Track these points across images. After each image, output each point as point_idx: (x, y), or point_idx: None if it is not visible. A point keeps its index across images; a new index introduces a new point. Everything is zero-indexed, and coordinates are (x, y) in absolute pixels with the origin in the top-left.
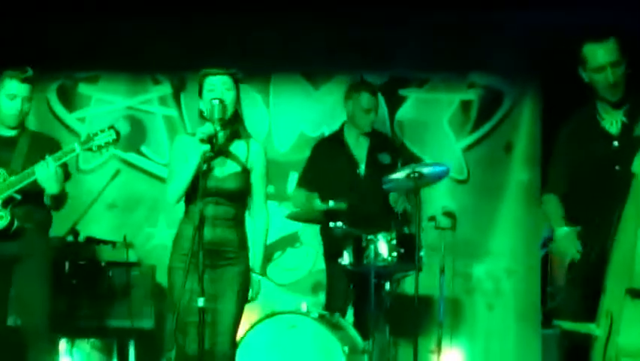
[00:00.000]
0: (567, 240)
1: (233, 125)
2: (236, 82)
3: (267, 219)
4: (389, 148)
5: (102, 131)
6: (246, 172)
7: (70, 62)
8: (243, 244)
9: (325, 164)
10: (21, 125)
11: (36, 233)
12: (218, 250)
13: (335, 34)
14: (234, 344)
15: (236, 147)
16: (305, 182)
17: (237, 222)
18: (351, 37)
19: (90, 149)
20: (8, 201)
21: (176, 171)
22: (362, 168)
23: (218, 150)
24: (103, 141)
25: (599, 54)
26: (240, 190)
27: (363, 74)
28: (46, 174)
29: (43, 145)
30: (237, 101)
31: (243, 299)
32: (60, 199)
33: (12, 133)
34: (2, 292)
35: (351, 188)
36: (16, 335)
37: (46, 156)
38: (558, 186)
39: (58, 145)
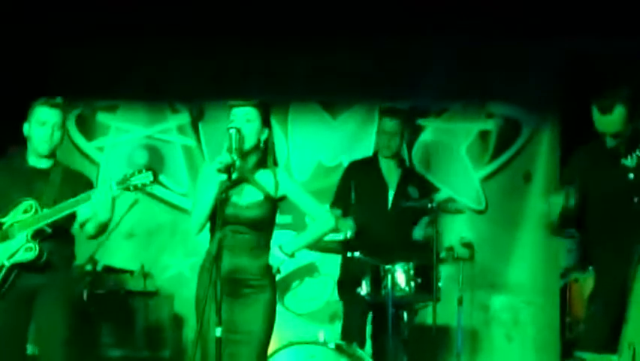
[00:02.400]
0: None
1: (259, 155)
2: (263, 113)
3: (326, 222)
4: (417, 182)
5: (140, 171)
6: (270, 201)
7: (89, 91)
8: (266, 272)
9: (357, 185)
10: (53, 156)
11: (61, 266)
12: (239, 278)
13: (354, 64)
14: None
15: (262, 176)
16: (339, 201)
17: (260, 251)
18: (371, 67)
19: (127, 189)
20: (38, 234)
21: (198, 200)
22: (390, 196)
23: (239, 178)
24: (139, 182)
25: (603, 123)
26: (262, 219)
27: (381, 103)
28: (104, 199)
29: (76, 181)
30: (262, 131)
31: (269, 329)
32: (105, 228)
33: (45, 165)
34: (23, 321)
35: (378, 215)
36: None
37: (108, 184)
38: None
39: (90, 182)
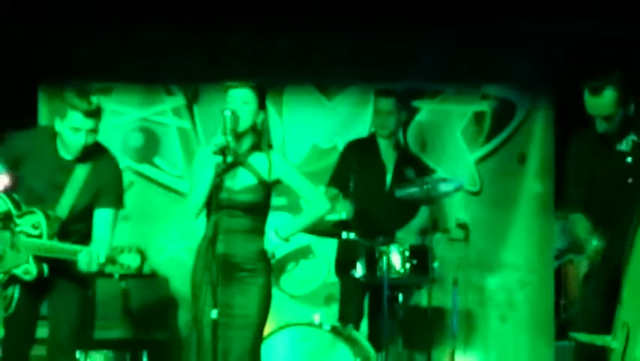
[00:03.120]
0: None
1: (254, 137)
2: (259, 95)
3: (321, 205)
4: (414, 163)
5: (130, 250)
6: (264, 185)
7: (84, 73)
8: (261, 256)
9: (355, 166)
10: (85, 153)
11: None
12: (234, 262)
13: (348, 46)
14: (258, 358)
15: (256, 159)
16: (336, 180)
17: (255, 235)
18: (365, 49)
19: (111, 263)
20: (40, 258)
21: (195, 184)
22: (389, 178)
23: (233, 162)
24: (125, 263)
25: (594, 106)
26: (255, 203)
27: (376, 85)
28: (88, 267)
29: (100, 177)
30: (257, 113)
31: (264, 313)
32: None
33: (74, 157)
34: (34, 306)
35: (376, 196)
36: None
37: (97, 253)
38: (580, 203)
39: (118, 172)
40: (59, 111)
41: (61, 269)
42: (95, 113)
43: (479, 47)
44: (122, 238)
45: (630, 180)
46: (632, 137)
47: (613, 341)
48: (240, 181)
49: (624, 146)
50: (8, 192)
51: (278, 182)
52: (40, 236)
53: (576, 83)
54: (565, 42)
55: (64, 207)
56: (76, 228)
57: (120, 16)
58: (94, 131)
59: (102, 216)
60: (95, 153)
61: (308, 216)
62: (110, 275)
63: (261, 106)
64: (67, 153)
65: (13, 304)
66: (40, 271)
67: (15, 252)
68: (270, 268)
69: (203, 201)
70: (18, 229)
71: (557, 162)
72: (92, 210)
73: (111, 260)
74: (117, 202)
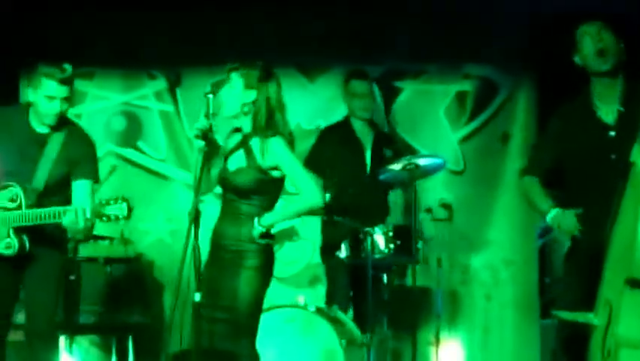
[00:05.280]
0: (565, 219)
1: (255, 119)
2: (248, 76)
3: (311, 198)
4: (391, 143)
5: (115, 201)
6: (256, 169)
7: (65, 57)
8: (252, 239)
9: (332, 148)
10: (59, 122)
11: (53, 235)
12: (222, 243)
13: (329, 26)
14: (252, 344)
15: (255, 143)
16: (310, 165)
17: (247, 219)
18: (346, 29)
19: (100, 218)
20: (20, 230)
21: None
22: (367, 158)
23: (240, 143)
24: (112, 214)
25: (585, 25)
26: (246, 185)
27: (358, 66)
28: (76, 225)
29: (75, 151)
30: (245, 94)
31: (257, 295)
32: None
33: (47, 130)
34: (13, 287)
35: (356, 176)
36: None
37: (82, 208)
38: (541, 167)
39: (91, 152)
40: (33, 82)
41: (38, 249)
42: (68, 81)
43: (461, 25)
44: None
45: (613, 156)
46: (617, 106)
47: (595, 318)
48: (234, 163)
49: (609, 118)
50: None
51: (275, 168)
52: (19, 208)
53: (559, 61)
54: (546, 19)
55: (39, 179)
56: (53, 200)
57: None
58: (68, 99)
59: (80, 187)
60: (66, 125)
61: (295, 206)
62: (95, 259)
63: (249, 84)
64: (40, 125)
65: None
66: (22, 244)
67: None
68: (262, 253)
69: (196, 185)
70: None
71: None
72: (68, 182)
73: (97, 214)
74: (93, 174)
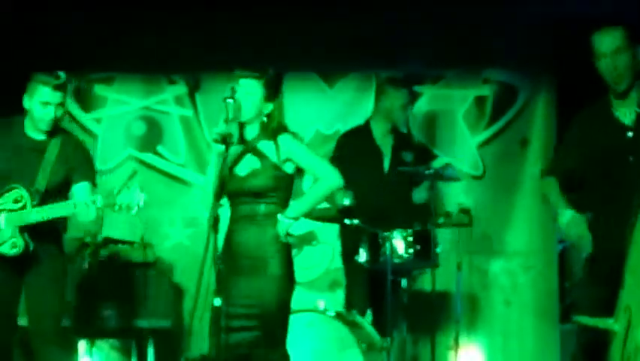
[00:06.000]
0: (574, 224)
1: (262, 125)
2: (268, 85)
3: (331, 179)
4: (411, 147)
5: (128, 188)
6: (272, 167)
7: (86, 63)
8: (273, 243)
9: (351, 153)
10: (54, 129)
11: (51, 237)
12: (243, 250)
13: (348, 31)
14: (283, 345)
15: (264, 145)
16: None
17: (265, 221)
18: (365, 35)
19: (111, 207)
20: (24, 229)
21: (209, 178)
22: (387, 163)
23: (244, 149)
24: (125, 203)
25: (603, 42)
26: (263, 186)
27: (377, 71)
28: (88, 218)
29: (73, 155)
30: (264, 104)
31: (282, 300)
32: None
33: (43, 137)
34: (15, 291)
35: (375, 182)
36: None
37: (92, 198)
38: (560, 168)
39: (88, 156)
40: (29, 89)
41: (40, 251)
42: (62, 87)
43: (479, 30)
44: (126, 227)
45: (631, 158)
46: (635, 107)
47: (615, 324)
48: (246, 167)
49: (627, 119)
50: None
51: (288, 161)
52: (24, 207)
53: (578, 65)
54: (566, 24)
55: (40, 184)
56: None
57: (122, 5)
58: (62, 105)
59: (80, 189)
60: (62, 132)
61: (317, 192)
62: (115, 263)
63: (269, 97)
64: (36, 132)
65: None
66: (27, 244)
67: None
68: (284, 254)
69: (212, 191)
70: None
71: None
72: (68, 187)
73: (110, 204)
74: (92, 177)
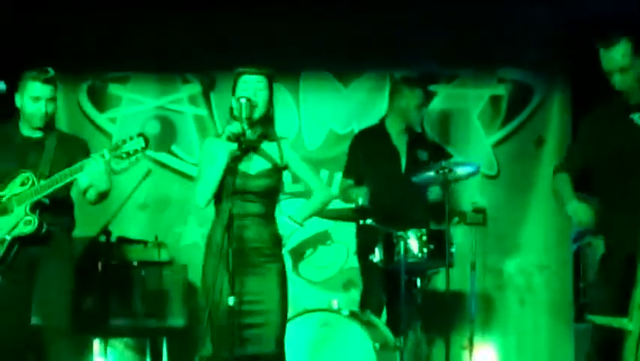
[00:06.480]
0: (581, 210)
1: (265, 125)
2: (270, 82)
3: (325, 193)
4: (426, 145)
5: (131, 138)
6: (277, 170)
7: (100, 62)
8: (276, 242)
9: (367, 154)
10: (48, 126)
11: (61, 236)
12: (249, 248)
13: (363, 31)
14: (282, 344)
15: (268, 146)
16: (350, 172)
17: (268, 220)
18: (379, 33)
19: (120, 157)
20: (36, 206)
21: (204, 173)
22: (403, 162)
23: (247, 147)
24: (132, 149)
25: (609, 59)
26: (271, 187)
27: (392, 70)
28: (97, 170)
29: (71, 146)
30: (270, 101)
31: (285, 297)
32: (106, 195)
33: (39, 134)
34: (26, 291)
35: (391, 181)
36: (39, 334)
37: (100, 152)
38: (573, 165)
39: (85, 145)
40: (19, 88)
41: (49, 248)
42: (51, 80)
43: (494, 30)
44: (140, 226)
45: None
46: None
47: (629, 324)
48: (255, 166)
49: None
50: None
51: (286, 168)
52: (32, 185)
53: (593, 64)
54: (580, 23)
55: (44, 170)
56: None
57: (136, 4)
58: (53, 99)
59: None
60: (57, 130)
61: (317, 201)
62: (129, 263)
63: (272, 94)
64: (30, 130)
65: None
66: (40, 221)
67: (8, 216)
68: (282, 254)
69: (214, 189)
70: (4, 198)
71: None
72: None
73: (117, 155)
74: None
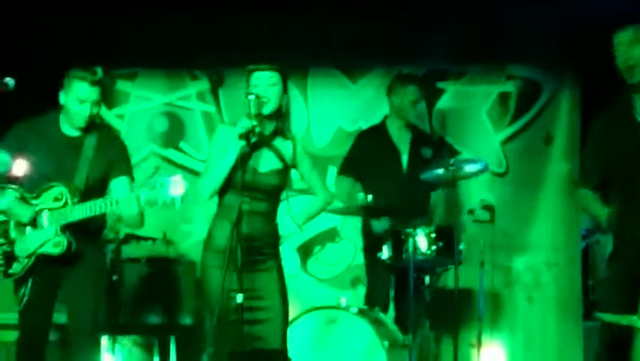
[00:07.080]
0: None
1: (278, 121)
2: (283, 78)
3: (326, 197)
4: (430, 143)
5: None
6: (286, 169)
7: (109, 59)
8: (276, 239)
9: (368, 153)
10: (90, 126)
11: (91, 235)
12: (255, 245)
13: (371, 28)
14: (286, 339)
15: (281, 143)
16: (347, 170)
17: (272, 218)
18: (388, 31)
19: (155, 203)
20: (67, 227)
21: (212, 165)
22: (404, 160)
23: (257, 143)
24: (168, 199)
25: (622, 34)
26: (279, 186)
27: (400, 67)
28: (131, 212)
29: (109, 149)
30: (283, 96)
31: (286, 294)
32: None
33: (79, 133)
34: (51, 290)
35: (394, 179)
36: (61, 333)
37: (132, 195)
38: (591, 179)
39: (123, 148)
40: (65, 85)
41: (80, 249)
42: (99, 83)
43: (503, 26)
44: (149, 223)
45: None
46: None
47: (639, 321)
48: (266, 164)
49: None
50: (18, 181)
51: (294, 167)
52: (65, 205)
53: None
54: (589, 20)
55: (79, 181)
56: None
57: (144, 1)
58: (98, 102)
59: (119, 183)
60: (97, 128)
61: (315, 206)
62: (137, 260)
63: (285, 89)
64: (71, 129)
65: (27, 293)
66: (70, 243)
67: (39, 230)
68: (279, 251)
69: (221, 183)
70: (38, 208)
71: (583, 143)
72: (106, 184)
73: (152, 201)
74: (130, 172)
